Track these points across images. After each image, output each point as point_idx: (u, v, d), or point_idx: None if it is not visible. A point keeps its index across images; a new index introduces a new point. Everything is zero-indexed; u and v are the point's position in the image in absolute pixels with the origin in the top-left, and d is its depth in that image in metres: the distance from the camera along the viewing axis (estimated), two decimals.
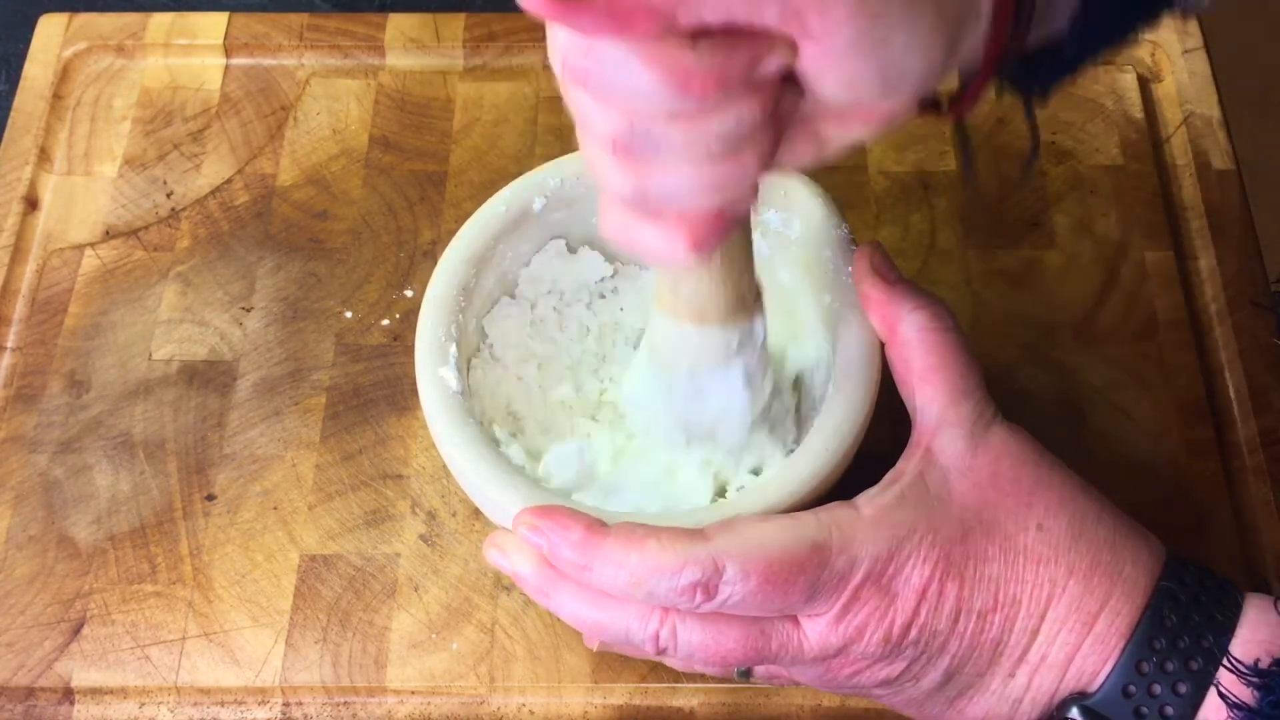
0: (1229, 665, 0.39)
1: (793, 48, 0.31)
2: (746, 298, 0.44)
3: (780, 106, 0.34)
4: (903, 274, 0.46)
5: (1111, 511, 0.42)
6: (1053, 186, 0.62)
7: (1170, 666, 0.39)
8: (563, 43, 0.32)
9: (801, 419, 0.50)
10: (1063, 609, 0.40)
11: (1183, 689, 0.39)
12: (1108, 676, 0.40)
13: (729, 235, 0.38)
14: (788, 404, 0.49)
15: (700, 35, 0.30)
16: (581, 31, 0.29)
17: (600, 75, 0.31)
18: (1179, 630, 0.39)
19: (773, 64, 0.32)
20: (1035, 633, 0.40)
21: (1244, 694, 0.38)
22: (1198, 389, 0.57)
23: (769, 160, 0.35)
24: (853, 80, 0.32)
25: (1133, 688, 0.39)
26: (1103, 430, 0.56)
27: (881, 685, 0.41)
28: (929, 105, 0.37)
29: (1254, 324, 0.58)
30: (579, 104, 0.34)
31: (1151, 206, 0.62)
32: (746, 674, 0.43)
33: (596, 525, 0.40)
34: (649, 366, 0.47)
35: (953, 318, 0.44)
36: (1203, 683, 0.39)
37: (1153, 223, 0.61)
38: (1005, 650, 0.40)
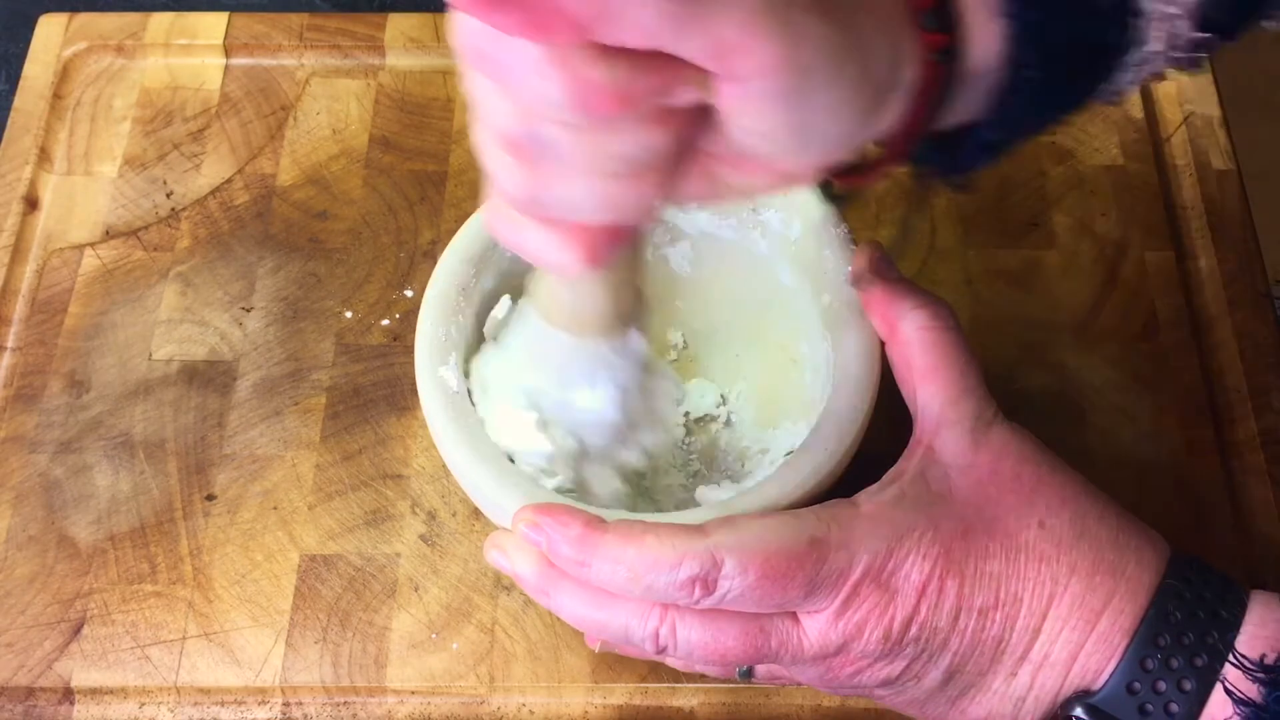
0: (1234, 661, 0.38)
1: (710, 84, 0.30)
2: (626, 312, 0.42)
3: (689, 137, 0.33)
4: (902, 274, 0.46)
5: (1114, 510, 0.42)
6: (1053, 186, 0.62)
7: (1175, 663, 0.39)
8: (470, 24, 0.30)
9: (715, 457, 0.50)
10: (1065, 607, 0.40)
11: (1188, 685, 0.39)
12: (1112, 674, 0.39)
13: (623, 250, 0.36)
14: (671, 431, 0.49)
15: (616, 52, 0.29)
16: (497, 29, 0.28)
17: (504, 67, 0.30)
18: (1184, 627, 0.39)
19: (686, 96, 0.31)
20: (1037, 631, 0.40)
21: (1250, 690, 0.38)
22: (1198, 389, 0.57)
23: (671, 187, 0.34)
24: (766, 131, 0.32)
25: (1137, 685, 0.39)
26: (1103, 430, 0.56)
27: (883, 685, 0.41)
28: (834, 172, 0.37)
29: (1254, 324, 0.58)
30: (478, 89, 0.32)
31: (1151, 206, 0.62)
32: (748, 674, 0.43)
33: (595, 522, 0.40)
34: (515, 357, 0.46)
35: (953, 316, 0.44)
36: (1208, 679, 0.39)
37: (1153, 223, 0.61)
38: (1007, 649, 0.40)
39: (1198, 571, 0.41)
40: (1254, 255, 0.60)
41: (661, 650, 0.41)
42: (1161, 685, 0.39)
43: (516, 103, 0.31)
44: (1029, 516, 0.41)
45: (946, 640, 0.40)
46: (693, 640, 0.40)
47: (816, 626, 0.40)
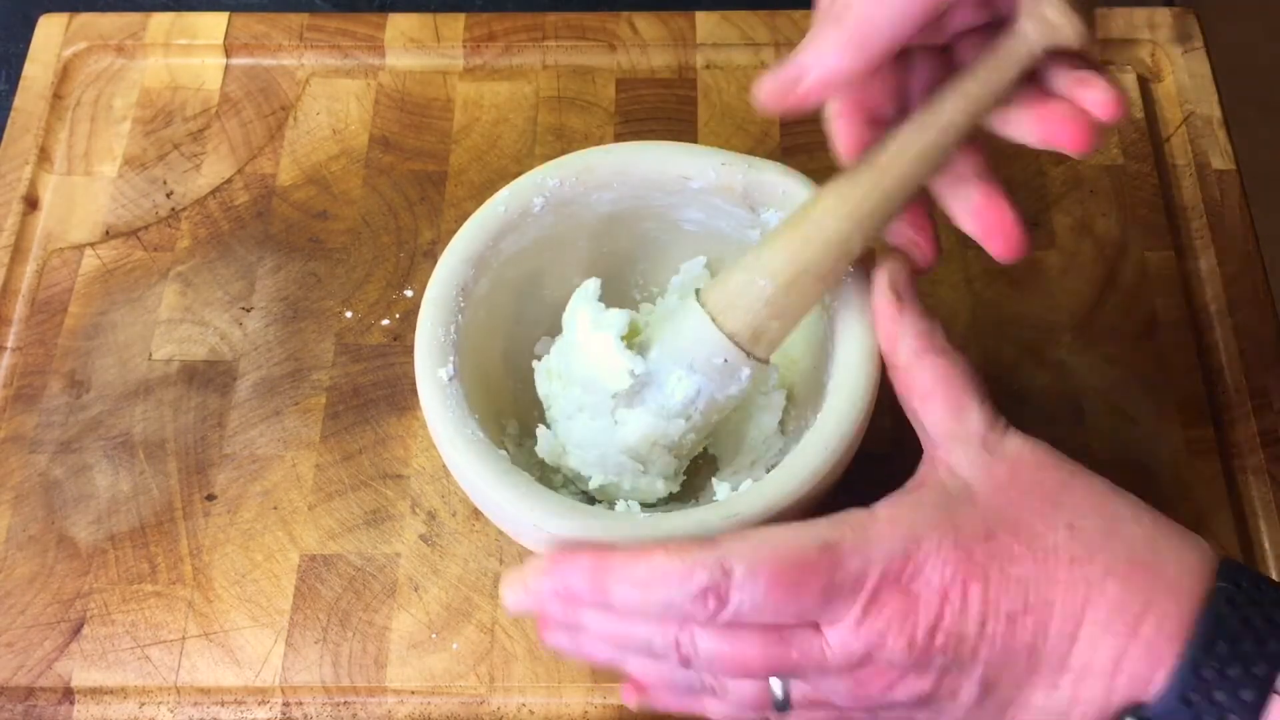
0: None
1: None
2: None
3: None
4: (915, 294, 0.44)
5: (1149, 512, 0.41)
6: (1053, 186, 0.62)
7: (1232, 672, 0.37)
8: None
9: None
10: (1103, 612, 0.38)
11: (1246, 696, 0.37)
12: (1165, 685, 0.38)
13: None
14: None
15: None
16: None
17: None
18: (1239, 634, 0.37)
19: None
20: (1074, 637, 0.38)
21: None
22: (1198, 389, 0.57)
23: None
24: None
25: (1194, 695, 0.37)
26: (1103, 430, 0.56)
27: (919, 705, 0.40)
28: None
29: (1254, 324, 0.58)
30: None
31: (1151, 206, 0.62)
32: (784, 705, 0.42)
33: (603, 548, 0.40)
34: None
35: (942, 336, 0.43)
36: (1265, 688, 0.37)
37: (1153, 223, 0.61)
38: (1043, 658, 0.39)
39: (1249, 577, 0.39)
40: (1254, 255, 0.60)
41: (685, 662, 0.40)
42: (1218, 695, 0.37)
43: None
44: (1056, 519, 0.40)
45: (975, 649, 0.39)
46: (713, 650, 0.39)
47: (838, 636, 0.39)
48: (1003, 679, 0.39)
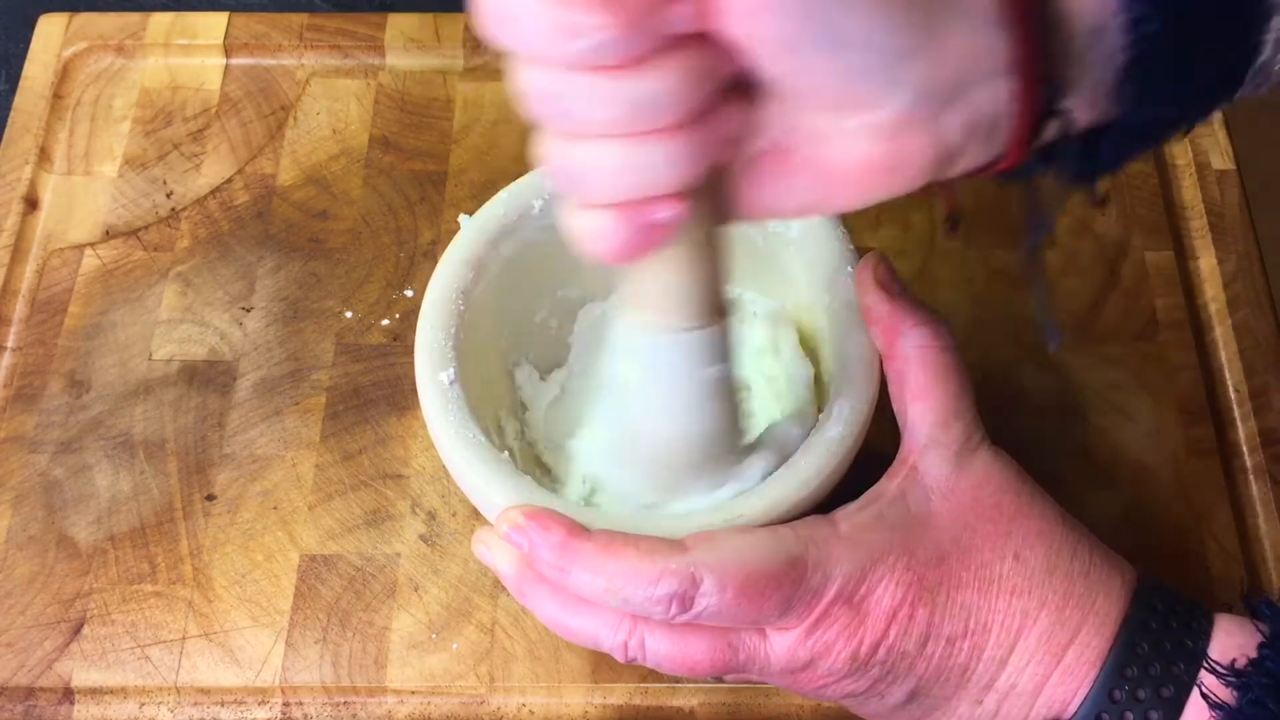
0: (1202, 692, 0.38)
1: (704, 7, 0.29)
2: (721, 306, 0.41)
3: (733, 115, 0.33)
4: (905, 284, 0.45)
5: (1088, 542, 0.42)
6: (1053, 186, 0.62)
7: (1142, 694, 0.39)
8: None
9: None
10: (1033, 641, 0.40)
11: (1154, 716, 0.39)
12: (1080, 705, 0.39)
13: (660, 244, 0.35)
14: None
15: None
16: None
17: (510, 18, 0.31)
18: (1150, 658, 0.39)
19: (679, 17, 0.30)
20: (1004, 662, 0.40)
21: (1225, 694, 0.38)
22: (1198, 389, 0.57)
23: (704, 160, 0.33)
24: (786, 41, 0.30)
25: (1105, 716, 0.39)
26: (1103, 430, 0.56)
27: (847, 697, 0.41)
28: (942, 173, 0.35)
29: (1254, 324, 0.58)
30: (514, 70, 0.32)
31: (1151, 206, 0.62)
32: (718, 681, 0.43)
33: (578, 530, 0.39)
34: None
35: (951, 336, 0.44)
36: (1174, 709, 0.39)
37: (1153, 223, 0.61)
38: (973, 677, 0.40)
39: (1164, 600, 0.41)
40: (1254, 255, 0.60)
41: (630, 660, 0.41)
42: (1129, 716, 0.39)
43: (525, 55, 0.31)
44: (1005, 549, 0.41)
45: (913, 665, 0.40)
46: (660, 652, 0.40)
47: (785, 643, 0.39)
48: (933, 691, 0.41)
